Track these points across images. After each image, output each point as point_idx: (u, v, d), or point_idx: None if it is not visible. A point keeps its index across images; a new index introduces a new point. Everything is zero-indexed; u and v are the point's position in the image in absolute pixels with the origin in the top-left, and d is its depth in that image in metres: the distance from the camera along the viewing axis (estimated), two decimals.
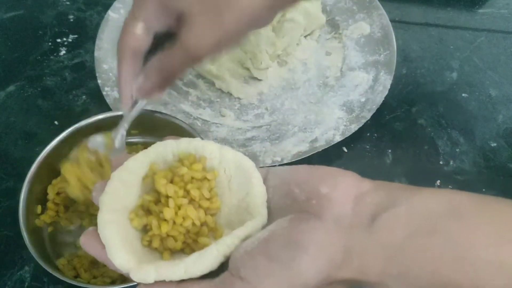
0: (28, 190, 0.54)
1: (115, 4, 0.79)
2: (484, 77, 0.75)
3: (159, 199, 0.36)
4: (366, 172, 0.63)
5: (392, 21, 0.77)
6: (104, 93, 0.69)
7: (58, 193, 0.57)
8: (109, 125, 0.60)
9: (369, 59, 0.73)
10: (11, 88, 0.74)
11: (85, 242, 0.36)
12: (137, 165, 0.38)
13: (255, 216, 0.35)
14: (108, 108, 0.68)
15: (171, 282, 0.33)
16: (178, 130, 0.59)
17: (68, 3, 0.85)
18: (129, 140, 0.62)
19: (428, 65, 0.76)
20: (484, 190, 0.64)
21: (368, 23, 0.77)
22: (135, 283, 0.48)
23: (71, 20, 0.83)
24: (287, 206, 0.34)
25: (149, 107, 0.68)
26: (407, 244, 0.29)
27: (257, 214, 0.35)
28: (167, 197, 0.35)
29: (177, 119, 0.59)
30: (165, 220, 0.35)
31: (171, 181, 0.36)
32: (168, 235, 0.35)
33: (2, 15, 0.83)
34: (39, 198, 0.56)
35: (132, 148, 0.62)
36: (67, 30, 0.81)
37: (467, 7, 0.84)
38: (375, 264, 0.30)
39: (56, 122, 0.70)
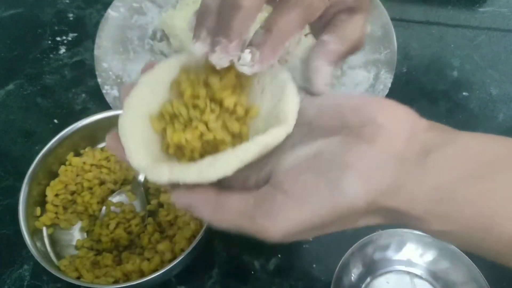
0: (27, 193, 0.54)
1: (115, 3, 0.78)
2: (484, 76, 0.75)
3: (184, 105, 0.35)
4: None
5: (392, 19, 0.76)
6: (103, 91, 0.69)
7: (56, 195, 0.57)
8: (108, 125, 0.60)
9: (370, 58, 0.73)
10: (11, 86, 0.74)
11: (109, 143, 0.37)
12: (166, 70, 0.37)
13: (281, 124, 0.33)
14: (108, 107, 0.68)
15: (210, 189, 0.33)
16: None
17: (67, 1, 0.85)
18: None
19: (429, 64, 0.76)
20: None
21: (368, 22, 0.77)
22: (138, 282, 0.48)
23: (71, 18, 0.82)
24: (334, 127, 0.33)
25: None
26: (458, 186, 0.29)
27: (284, 122, 0.33)
28: (192, 106, 0.34)
29: None
30: (180, 129, 0.34)
31: (199, 88, 0.35)
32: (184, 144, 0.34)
33: (1, 13, 0.83)
34: (38, 200, 0.56)
35: None
36: (66, 29, 0.81)
37: (468, 6, 0.84)
38: (423, 199, 0.30)
39: (55, 121, 0.70)
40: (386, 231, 0.55)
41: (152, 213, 0.59)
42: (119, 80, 0.70)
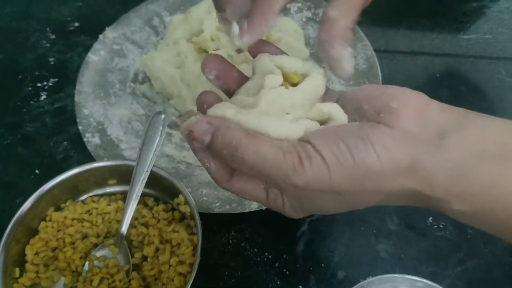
0: (5, 254, 0.52)
1: (95, 46, 0.78)
2: (472, 106, 0.73)
3: None
4: (356, 212, 0.62)
5: (377, 50, 0.75)
6: (85, 139, 0.67)
7: (37, 253, 0.55)
8: (88, 177, 0.59)
9: None
10: None
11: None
12: None
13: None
14: (89, 155, 0.66)
15: (239, 129, 0.34)
16: (157, 179, 0.57)
17: (48, 45, 0.84)
18: (108, 190, 0.61)
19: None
20: None
21: (352, 55, 0.76)
22: None
23: (52, 63, 0.81)
24: (353, 119, 0.36)
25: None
26: (476, 165, 0.30)
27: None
28: None
29: (156, 167, 0.57)
30: None
31: None
32: None
33: None
34: (17, 260, 0.54)
35: (111, 198, 0.60)
36: (47, 74, 0.80)
37: (452, 34, 0.83)
38: (441, 178, 0.31)
39: (37, 171, 0.69)
40: (377, 278, 0.54)
41: (136, 267, 0.57)
42: (100, 127, 0.69)
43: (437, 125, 0.32)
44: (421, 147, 0.31)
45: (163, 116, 0.58)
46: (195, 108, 0.69)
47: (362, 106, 0.35)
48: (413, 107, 0.33)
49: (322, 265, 0.59)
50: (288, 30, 0.76)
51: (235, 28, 0.36)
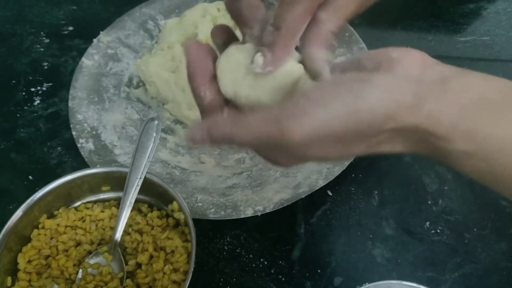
0: None
1: (89, 50, 0.77)
2: None
3: None
4: (352, 215, 0.62)
5: None
6: (78, 145, 0.67)
7: (29, 261, 0.55)
8: (82, 184, 0.58)
9: None
10: None
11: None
12: None
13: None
14: (83, 161, 0.66)
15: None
16: (150, 186, 0.57)
17: (42, 49, 0.83)
18: (101, 196, 0.60)
19: None
20: (475, 230, 0.61)
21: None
22: None
23: (45, 67, 0.81)
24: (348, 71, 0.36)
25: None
26: (482, 106, 0.30)
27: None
28: None
29: (149, 173, 0.56)
30: None
31: None
32: None
33: None
34: (9, 268, 0.54)
35: (105, 205, 0.60)
36: (41, 78, 0.79)
37: (448, 36, 0.82)
38: (446, 114, 0.30)
39: (30, 177, 0.68)
40: (374, 284, 0.53)
41: (130, 274, 0.56)
42: (94, 132, 0.68)
43: (438, 72, 0.32)
44: (425, 88, 0.31)
45: (156, 122, 0.57)
46: (190, 113, 0.69)
47: (362, 63, 0.35)
48: (414, 57, 0.34)
49: (318, 271, 0.59)
50: None
51: (259, 58, 0.36)
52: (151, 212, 0.59)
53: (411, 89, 0.31)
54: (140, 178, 0.55)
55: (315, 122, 0.32)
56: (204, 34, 0.71)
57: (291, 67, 0.37)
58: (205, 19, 0.73)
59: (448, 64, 0.34)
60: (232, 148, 0.67)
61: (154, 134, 0.57)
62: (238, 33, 0.41)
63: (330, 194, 0.65)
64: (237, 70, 0.37)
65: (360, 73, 0.34)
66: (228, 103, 0.39)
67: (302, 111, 0.32)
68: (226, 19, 0.74)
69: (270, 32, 0.36)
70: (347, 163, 0.63)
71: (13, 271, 0.54)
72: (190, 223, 0.53)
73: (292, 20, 0.36)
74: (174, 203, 0.56)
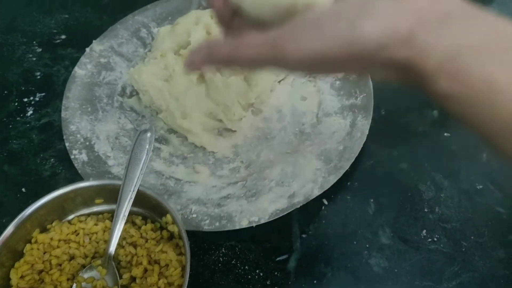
0: None
1: (82, 59, 0.77)
2: None
3: None
4: (348, 224, 0.61)
5: None
6: (72, 156, 0.66)
7: (22, 276, 0.54)
8: (75, 197, 0.58)
9: (346, 103, 0.71)
10: None
11: None
12: None
13: None
14: (76, 172, 0.65)
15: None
16: (144, 198, 0.56)
17: (34, 59, 0.83)
18: (95, 209, 0.59)
19: (408, 104, 0.74)
20: (472, 237, 0.61)
21: None
22: None
23: (38, 77, 0.80)
24: None
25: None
26: (473, 51, 0.30)
27: None
28: None
29: (143, 186, 0.56)
30: None
31: None
32: None
33: None
34: (1, 285, 0.53)
35: (99, 218, 0.59)
36: (33, 88, 0.78)
37: None
38: (436, 53, 0.31)
39: (23, 189, 0.67)
40: None
41: None
42: (87, 143, 0.68)
43: (446, 7, 0.32)
44: (424, 20, 0.31)
45: (149, 134, 0.56)
46: (184, 122, 0.68)
47: None
48: None
49: (315, 281, 0.58)
50: None
51: None
52: (145, 224, 0.58)
53: (409, 22, 0.31)
54: (134, 191, 0.55)
55: (310, 45, 0.33)
56: (197, 43, 0.70)
57: None
58: (198, 26, 0.72)
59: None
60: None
61: (147, 146, 0.56)
62: None
63: (326, 203, 0.64)
64: None
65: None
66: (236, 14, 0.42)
67: (298, 34, 0.34)
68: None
69: None
70: (342, 171, 0.63)
71: (6, 287, 0.54)
72: (184, 236, 0.52)
73: None
74: (168, 216, 0.55)
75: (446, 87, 0.31)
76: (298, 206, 0.60)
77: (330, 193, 0.64)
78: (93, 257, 0.58)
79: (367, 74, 0.36)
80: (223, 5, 0.42)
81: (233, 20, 0.43)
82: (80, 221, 0.59)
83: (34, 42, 0.85)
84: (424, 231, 0.61)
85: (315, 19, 0.34)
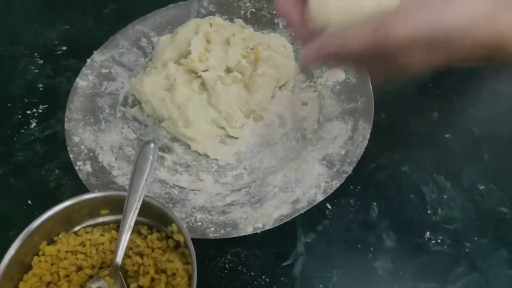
0: None
1: (83, 70, 0.77)
2: (465, 115, 0.73)
3: None
4: (352, 228, 0.62)
5: None
6: (76, 168, 0.67)
7: None
8: (80, 208, 0.58)
9: (346, 108, 0.71)
10: None
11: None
12: None
13: None
14: (81, 183, 0.66)
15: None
16: (149, 208, 0.56)
17: (36, 70, 0.83)
18: (101, 220, 0.60)
19: (408, 106, 0.75)
20: (476, 238, 0.61)
21: (342, 69, 0.75)
22: None
23: (41, 89, 0.81)
24: None
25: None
26: None
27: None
28: None
29: (148, 196, 0.56)
30: None
31: None
32: None
33: None
34: None
35: (105, 228, 0.60)
36: (36, 100, 0.79)
37: None
38: None
39: (29, 202, 0.68)
40: None
41: None
42: (91, 154, 0.68)
43: None
44: (503, 2, 0.35)
45: (152, 145, 0.57)
46: (186, 131, 0.69)
47: None
48: None
49: (320, 286, 0.59)
50: (277, 45, 0.75)
51: None
52: (151, 234, 0.59)
53: (489, 3, 0.35)
54: (139, 201, 0.55)
55: (410, 26, 0.38)
56: (197, 52, 0.71)
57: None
58: (198, 36, 0.73)
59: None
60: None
61: (151, 158, 0.57)
62: None
63: (330, 207, 0.65)
64: (326, 6, 0.45)
65: None
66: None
67: (397, 18, 0.39)
68: (218, 35, 0.74)
69: None
70: (345, 176, 0.63)
71: None
72: (190, 246, 0.53)
73: None
74: (173, 225, 0.56)
75: None
76: (302, 212, 0.61)
77: (334, 198, 0.64)
78: (100, 268, 0.59)
79: (459, 58, 0.40)
80: (301, 27, 0.48)
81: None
82: (87, 232, 0.59)
83: (36, 54, 0.86)
84: (428, 232, 0.62)
85: (407, 7, 0.39)
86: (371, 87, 0.71)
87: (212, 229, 0.60)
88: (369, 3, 0.44)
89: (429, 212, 0.64)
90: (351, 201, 0.65)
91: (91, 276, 0.58)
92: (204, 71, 0.70)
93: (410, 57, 0.41)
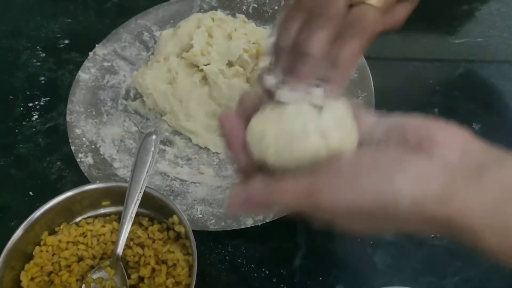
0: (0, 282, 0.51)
1: (85, 63, 0.77)
2: (466, 110, 0.74)
3: None
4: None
5: (368, 58, 0.75)
6: (78, 160, 0.67)
7: (32, 278, 0.55)
8: (82, 199, 0.58)
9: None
10: None
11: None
12: None
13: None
14: (83, 175, 0.66)
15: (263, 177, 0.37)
16: (150, 199, 0.57)
17: (38, 63, 0.83)
18: (102, 211, 0.60)
19: (409, 102, 0.75)
20: None
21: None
22: None
23: (43, 81, 0.81)
24: (391, 140, 0.36)
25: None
26: None
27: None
28: None
29: (149, 187, 0.57)
30: None
31: None
32: None
33: None
34: (12, 286, 0.54)
35: (106, 219, 0.60)
36: (39, 93, 0.79)
37: (443, 38, 0.83)
38: (476, 209, 0.31)
39: (31, 193, 0.68)
40: None
41: None
42: (93, 146, 0.69)
43: (477, 160, 0.32)
44: (459, 178, 0.32)
45: (154, 136, 0.57)
46: (188, 124, 0.69)
47: (407, 131, 0.35)
48: (456, 141, 0.34)
49: (320, 278, 0.59)
50: None
51: (320, 93, 0.37)
52: (152, 225, 0.59)
53: (442, 179, 0.31)
54: (140, 192, 0.56)
55: (345, 197, 0.33)
56: (199, 46, 0.71)
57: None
58: (200, 30, 0.73)
59: (493, 146, 0.33)
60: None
61: (152, 149, 0.57)
62: None
63: None
64: (262, 138, 0.38)
65: (397, 151, 0.34)
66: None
67: (333, 184, 0.34)
68: (220, 29, 0.74)
69: (327, 68, 0.40)
70: None
71: None
72: (191, 237, 0.53)
73: (347, 56, 0.40)
74: (174, 216, 0.56)
75: (494, 242, 0.31)
76: None
77: None
78: (101, 258, 0.59)
79: (405, 231, 0.35)
80: (247, 164, 0.41)
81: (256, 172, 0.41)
82: (88, 223, 0.60)
83: (38, 47, 0.86)
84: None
85: (349, 169, 0.34)
86: (372, 83, 0.71)
87: (213, 221, 0.61)
88: (314, 140, 0.36)
89: None
90: None
91: (92, 267, 0.58)
92: (206, 65, 0.70)
93: (349, 224, 0.36)
